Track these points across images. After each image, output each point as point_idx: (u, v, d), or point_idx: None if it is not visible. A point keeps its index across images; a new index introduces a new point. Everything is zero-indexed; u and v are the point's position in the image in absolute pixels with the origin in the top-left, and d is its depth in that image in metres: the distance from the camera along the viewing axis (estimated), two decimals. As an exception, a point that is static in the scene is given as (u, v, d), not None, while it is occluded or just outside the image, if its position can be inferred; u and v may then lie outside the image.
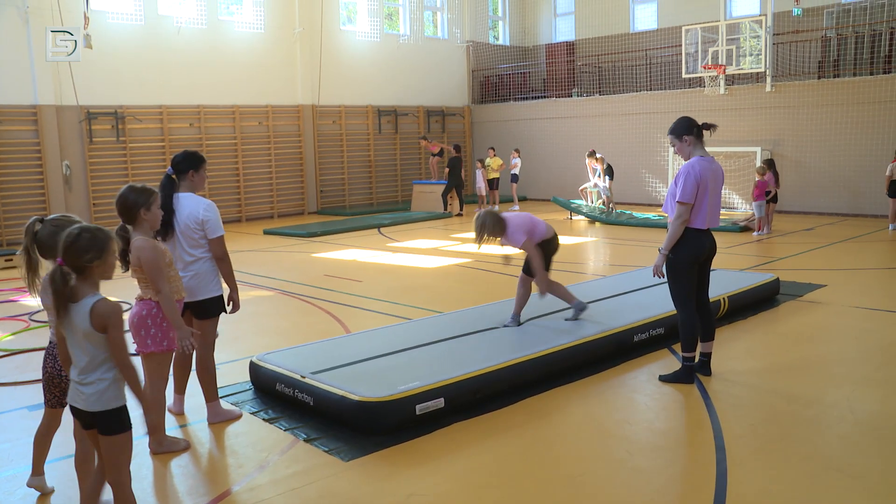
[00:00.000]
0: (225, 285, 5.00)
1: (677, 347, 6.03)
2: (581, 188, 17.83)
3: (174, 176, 4.89)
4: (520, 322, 6.60)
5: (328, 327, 7.59)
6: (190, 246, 4.82)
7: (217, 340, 5.11)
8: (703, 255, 5.52)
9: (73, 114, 15.70)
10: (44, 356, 3.84)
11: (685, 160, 5.59)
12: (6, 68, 14.72)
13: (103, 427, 3.30)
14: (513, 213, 6.60)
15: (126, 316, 4.32)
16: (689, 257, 5.46)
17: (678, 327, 5.64)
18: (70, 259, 3.19)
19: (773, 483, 3.93)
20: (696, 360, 5.66)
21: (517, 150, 19.36)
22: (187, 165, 4.90)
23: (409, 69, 21.79)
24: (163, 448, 4.53)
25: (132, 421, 3.38)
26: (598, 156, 16.85)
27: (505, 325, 6.52)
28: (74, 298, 3.22)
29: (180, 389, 5.22)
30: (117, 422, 3.31)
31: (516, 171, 19.08)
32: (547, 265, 6.54)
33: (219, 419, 5.05)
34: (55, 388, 3.84)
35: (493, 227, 6.37)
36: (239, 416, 5.14)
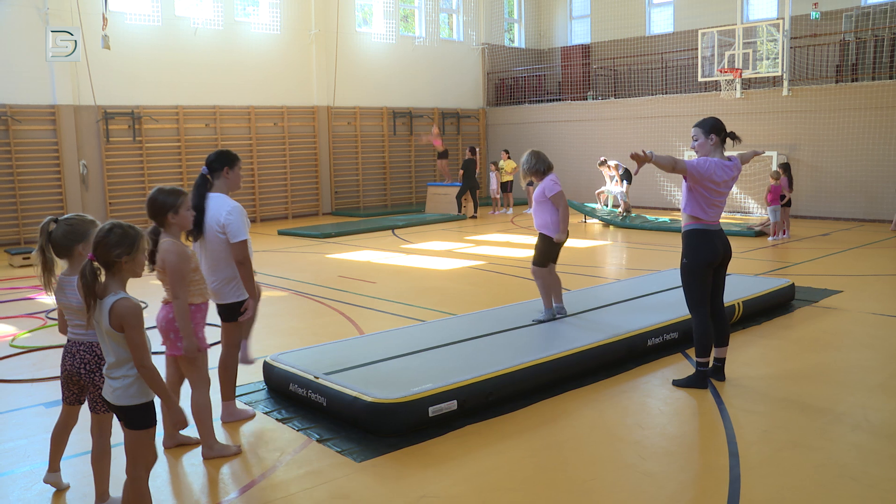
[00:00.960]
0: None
1: (691, 352, 6.01)
2: (598, 191, 17.79)
3: (208, 175, 4.87)
4: (555, 315, 6.85)
5: (341, 328, 7.61)
6: (214, 248, 4.79)
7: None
8: (718, 258, 5.49)
9: (90, 114, 15.84)
10: (62, 354, 3.87)
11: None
12: (26, 69, 14.87)
13: (127, 421, 3.37)
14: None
15: (150, 317, 4.33)
16: (703, 261, 5.44)
17: (692, 332, 5.63)
18: (100, 254, 3.24)
19: (786, 490, 3.91)
20: (711, 365, 5.64)
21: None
22: (221, 163, 4.87)
23: (424, 71, 21.82)
24: (213, 453, 4.48)
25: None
26: (609, 163, 16.80)
27: (538, 321, 6.74)
28: (102, 294, 3.27)
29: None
30: (140, 417, 3.37)
31: None
32: (554, 258, 6.87)
33: (232, 419, 5.08)
34: (73, 385, 3.87)
35: (538, 164, 6.83)
36: (252, 416, 5.16)
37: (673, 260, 11.45)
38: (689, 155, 17.69)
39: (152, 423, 3.41)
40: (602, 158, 17.31)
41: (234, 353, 5.03)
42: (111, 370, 3.36)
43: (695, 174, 5.28)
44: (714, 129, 5.46)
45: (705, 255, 5.44)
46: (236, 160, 4.98)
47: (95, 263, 3.25)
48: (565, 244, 7.05)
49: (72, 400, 3.93)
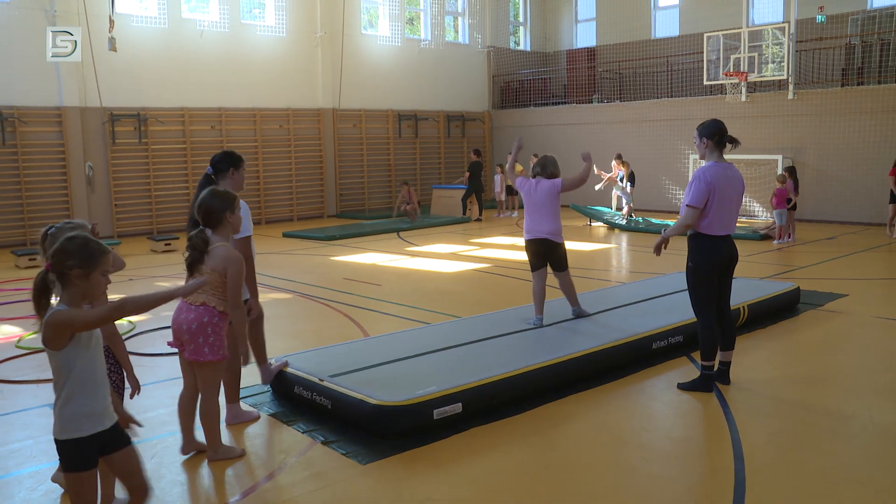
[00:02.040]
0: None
1: (697, 356, 6.00)
2: (607, 177, 17.44)
3: (213, 176, 4.95)
4: (581, 313, 6.99)
5: (346, 331, 7.61)
6: None
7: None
8: (723, 262, 5.49)
9: (96, 115, 15.88)
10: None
11: (700, 158, 5.63)
12: (32, 70, 14.91)
13: (62, 461, 3.05)
14: None
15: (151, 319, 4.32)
16: (708, 265, 5.44)
17: (697, 335, 5.62)
18: (55, 262, 2.91)
19: (792, 493, 3.90)
20: (716, 368, 5.64)
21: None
22: (227, 164, 4.96)
23: (429, 74, 21.85)
24: (218, 456, 4.47)
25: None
26: (624, 160, 16.75)
27: (576, 317, 6.95)
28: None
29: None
30: (70, 458, 3.01)
31: None
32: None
33: (237, 420, 5.08)
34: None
35: (551, 166, 7.02)
36: (257, 418, 5.17)
37: (677, 263, 11.44)
38: (693, 159, 17.67)
39: (83, 466, 2.97)
40: (618, 153, 17.19)
41: (236, 355, 5.03)
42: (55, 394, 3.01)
43: (700, 199, 5.36)
44: (710, 133, 5.51)
45: (710, 258, 5.44)
46: (241, 161, 5.07)
47: (51, 274, 2.91)
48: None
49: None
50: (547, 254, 6.83)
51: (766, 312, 7.62)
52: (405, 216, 17.30)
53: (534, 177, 6.98)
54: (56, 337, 2.87)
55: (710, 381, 5.55)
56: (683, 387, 5.60)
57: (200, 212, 4.27)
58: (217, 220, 4.26)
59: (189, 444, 4.61)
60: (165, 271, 11.51)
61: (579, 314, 7.00)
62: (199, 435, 4.64)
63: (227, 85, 17.73)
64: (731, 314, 5.75)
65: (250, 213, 4.90)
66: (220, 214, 4.25)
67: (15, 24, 14.70)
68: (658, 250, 5.63)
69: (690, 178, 5.50)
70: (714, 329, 5.53)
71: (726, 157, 5.61)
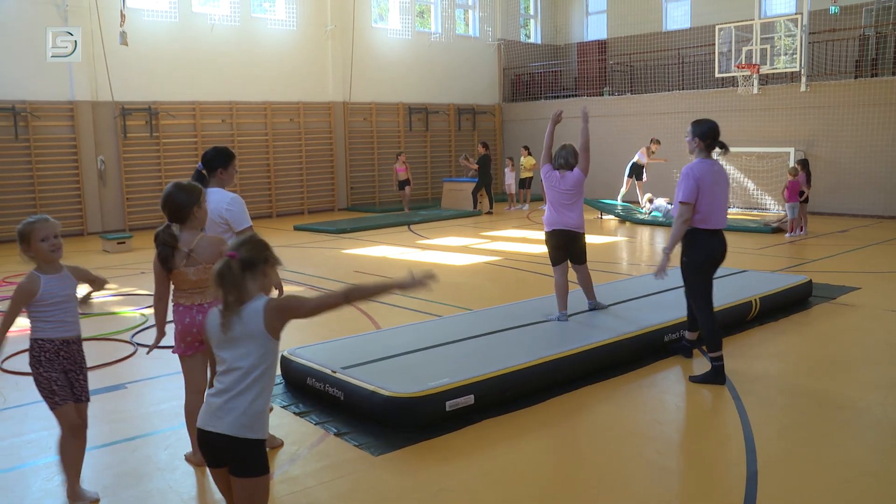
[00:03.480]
0: None
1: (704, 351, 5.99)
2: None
3: (204, 171, 4.88)
4: (597, 305, 7.01)
5: (358, 323, 7.63)
6: None
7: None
8: (718, 256, 5.62)
9: (108, 109, 15.94)
10: None
11: (689, 153, 5.76)
12: (45, 65, 14.96)
13: None
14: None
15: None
16: (703, 259, 5.57)
17: (701, 328, 5.69)
18: (255, 254, 2.98)
19: (803, 486, 3.90)
20: (690, 345, 6.02)
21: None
22: (217, 163, 4.87)
23: (440, 67, 21.82)
24: (196, 458, 4.33)
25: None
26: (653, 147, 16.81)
27: (591, 310, 6.97)
28: None
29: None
30: None
31: None
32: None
33: None
34: None
35: (572, 157, 6.99)
36: (270, 410, 5.18)
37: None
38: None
39: (268, 468, 2.84)
40: (654, 138, 17.14)
41: None
42: None
43: (691, 195, 5.46)
44: (703, 135, 5.60)
45: (705, 252, 5.56)
46: (232, 158, 4.95)
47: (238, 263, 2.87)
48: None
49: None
50: (569, 245, 6.79)
51: (778, 305, 7.59)
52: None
53: (556, 168, 6.92)
54: (282, 324, 2.81)
55: (722, 373, 5.55)
56: (695, 379, 5.60)
57: (167, 207, 4.09)
58: (185, 215, 4.08)
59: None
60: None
61: (595, 307, 7.00)
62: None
63: (238, 79, 17.76)
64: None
65: (245, 205, 4.87)
66: (188, 209, 4.08)
67: (27, 19, 14.76)
68: (660, 272, 5.62)
69: (680, 177, 5.61)
70: (716, 320, 5.60)
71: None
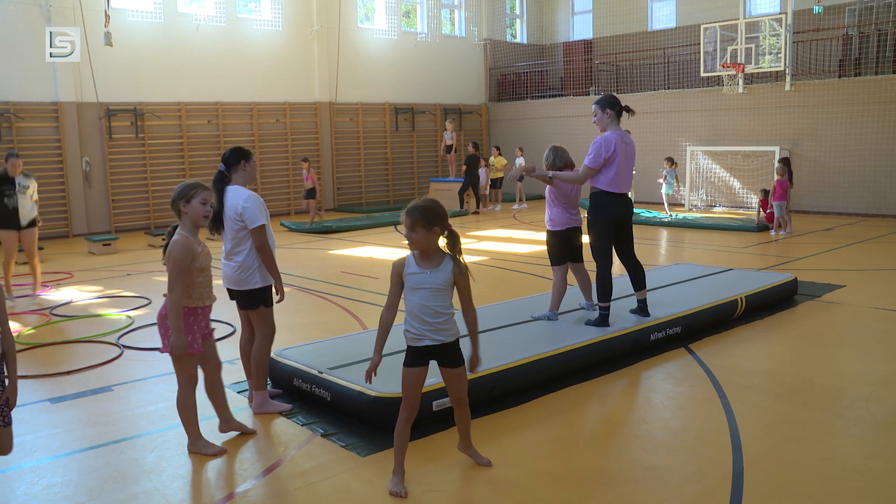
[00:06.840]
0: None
1: (694, 347, 6.01)
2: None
3: (226, 171, 5.07)
4: (591, 307, 7.01)
5: (345, 324, 7.62)
6: (233, 237, 4.98)
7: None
8: (620, 216, 6.30)
9: (92, 110, 15.86)
10: None
11: (601, 131, 6.35)
12: (29, 66, 14.89)
13: None
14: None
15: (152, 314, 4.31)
16: (606, 219, 6.27)
17: (596, 281, 6.37)
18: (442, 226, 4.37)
19: (789, 484, 3.92)
20: (636, 305, 6.55)
21: (521, 149, 19.29)
22: (238, 157, 5.09)
23: (426, 67, 21.83)
24: (195, 449, 4.48)
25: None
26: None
27: (582, 308, 7.06)
28: None
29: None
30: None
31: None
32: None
33: (262, 410, 5.11)
34: None
35: (565, 155, 7.07)
36: (289, 409, 5.18)
37: (676, 256, 11.47)
38: (690, 150, 17.67)
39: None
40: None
41: (269, 341, 5.17)
42: None
43: (596, 162, 6.19)
44: (609, 105, 6.32)
45: (608, 213, 6.25)
46: (251, 154, 5.21)
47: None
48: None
49: None
50: (571, 243, 6.81)
51: (763, 304, 7.64)
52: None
53: (548, 168, 6.90)
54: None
55: (607, 320, 6.25)
56: (589, 323, 6.30)
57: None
58: (176, 211, 4.37)
59: (226, 423, 4.71)
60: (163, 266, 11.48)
61: (591, 308, 6.97)
62: (237, 417, 4.85)
63: (224, 79, 17.70)
64: (636, 259, 6.57)
65: (263, 203, 5.04)
66: (175, 206, 4.35)
67: (10, 20, 14.67)
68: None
69: (592, 143, 6.22)
70: (610, 275, 6.33)
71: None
